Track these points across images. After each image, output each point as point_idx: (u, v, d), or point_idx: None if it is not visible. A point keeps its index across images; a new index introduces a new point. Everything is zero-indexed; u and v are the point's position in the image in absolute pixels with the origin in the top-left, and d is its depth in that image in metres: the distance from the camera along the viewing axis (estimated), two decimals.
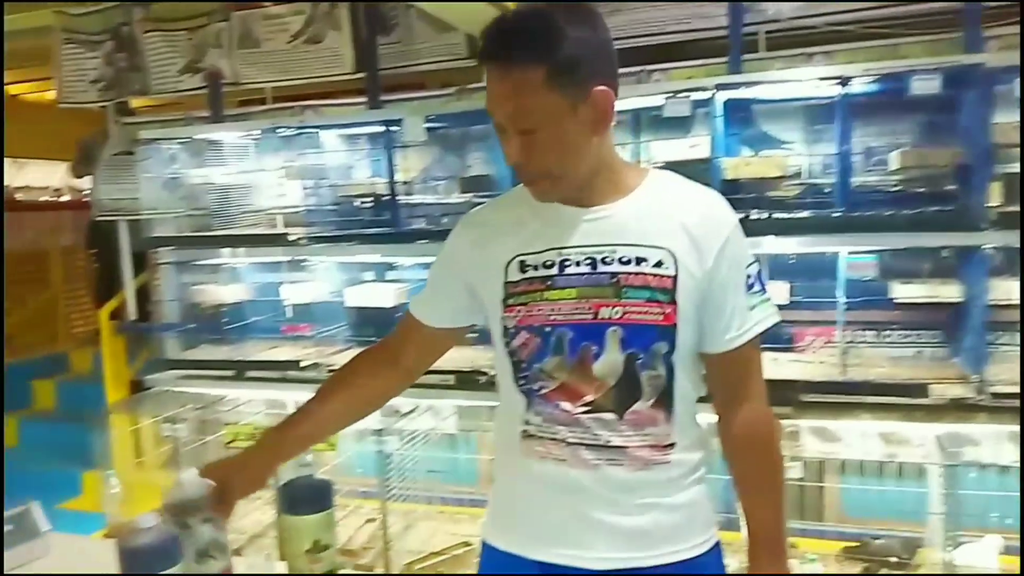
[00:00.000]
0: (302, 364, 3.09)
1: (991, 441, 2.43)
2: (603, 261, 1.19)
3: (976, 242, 2.40)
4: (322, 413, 1.36)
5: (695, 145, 2.79)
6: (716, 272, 1.19)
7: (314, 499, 1.28)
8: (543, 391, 1.21)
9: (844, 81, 2.52)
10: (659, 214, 1.20)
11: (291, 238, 3.09)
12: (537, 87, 1.10)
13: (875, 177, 2.74)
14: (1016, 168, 2.60)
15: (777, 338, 2.84)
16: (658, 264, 1.17)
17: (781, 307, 2.59)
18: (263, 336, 3.47)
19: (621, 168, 1.25)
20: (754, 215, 2.61)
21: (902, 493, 2.73)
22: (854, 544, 2.76)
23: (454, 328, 1.38)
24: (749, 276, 1.23)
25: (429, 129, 3.02)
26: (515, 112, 1.12)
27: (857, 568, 2.70)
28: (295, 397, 3.21)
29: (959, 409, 2.41)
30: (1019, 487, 2.32)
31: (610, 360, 1.17)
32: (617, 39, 2.94)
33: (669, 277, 1.17)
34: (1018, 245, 2.51)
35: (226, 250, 3.38)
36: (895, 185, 2.71)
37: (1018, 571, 2.42)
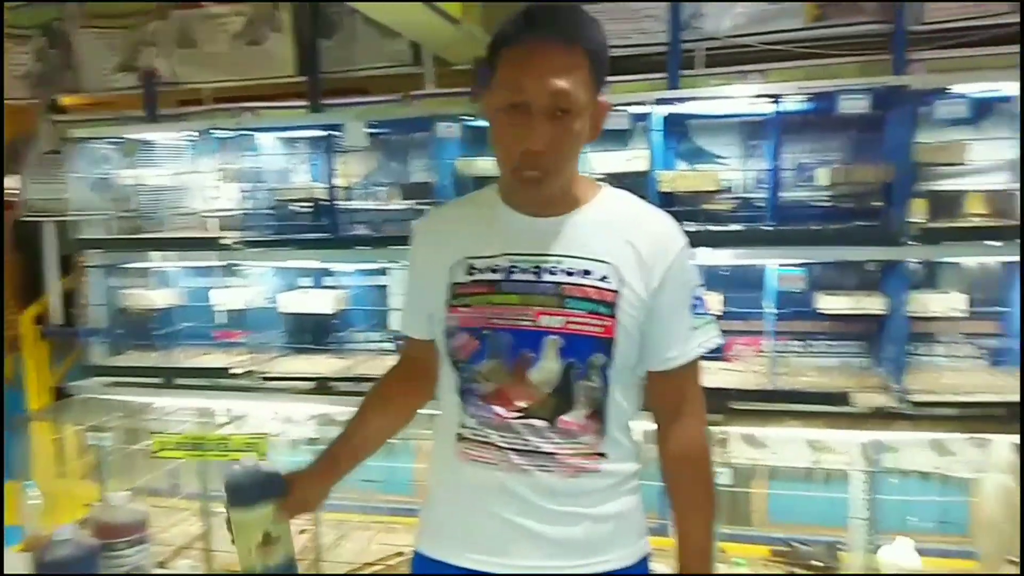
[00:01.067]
0: (233, 371, 3.02)
1: (911, 448, 2.52)
2: (548, 270, 1.21)
3: (898, 256, 2.49)
4: (364, 433, 1.43)
5: (633, 158, 2.83)
6: (661, 292, 1.21)
7: (261, 490, 1.22)
8: (479, 393, 1.22)
9: (777, 99, 2.59)
10: (609, 230, 1.22)
11: (225, 242, 3.03)
12: (581, 72, 1.12)
13: (805, 192, 2.83)
14: (937, 186, 2.74)
15: None
16: (602, 278, 1.19)
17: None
18: (194, 343, 3.38)
19: (580, 181, 1.27)
20: (689, 228, 2.65)
21: (828, 499, 2.80)
22: (781, 549, 2.82)
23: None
24: (695, 298, 1.26)
25: (371, 135, 3.00)
26: (557, 90, 1.11)
27: (782, 572, 2.76)
28: (226, 405, 3.15)
29: (881, 417, 2.49)
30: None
31: (547, 368, 1.19)
32: None
33: (611, 291, 1.19)
34: (937, 260, 2.64)
35: (157, 254, 3.29)
36: (824, 200, 2.80)
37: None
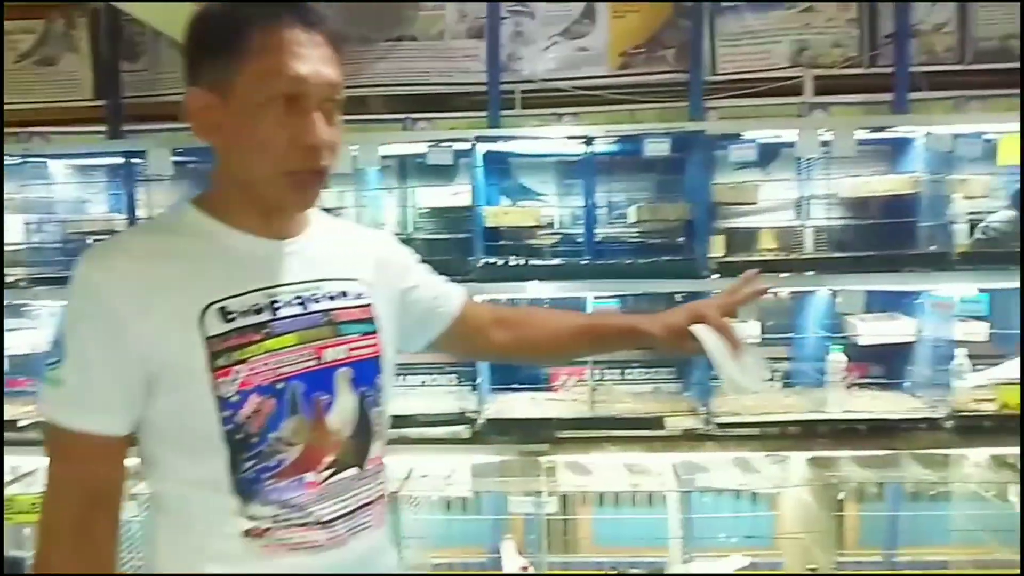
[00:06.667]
0: (20, 424, 2.71)
1: (719, 468, 2.69)
2: (313, 299, 1.08)
3: (701, 288, 2.67)
4: None
5: (457, 193, 2.87)
6: (407, 278, 1.27)
7: None
8: (277, 469, 1.02)
9: (589, 140, 2.73)
10: (344, 246, 1.18)
11: (10, 279, 2.73)
12: (338, 64, 1.06)
13: (617, 229, 3.00)
14: (733, 223, 2.99)
15: (535, 378, 2.99)
16: (358, 296, 1.13)
17: None
18: None
19: None
20: (512, 261, 2.73)
21: (648, 520, 2.92)
22: (608, 572, 2.91)
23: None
24: (428, 267, 1.35)
25: (177, 163, 2.83)
26: (332, 80, 1.02)
27: None
28: (13, 463, 2.81)
29: (691, 439, 2.65)
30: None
31: (343, 406, 1.08)
32: (383, 85, 3.05)
33: (367, 307, 1.14)
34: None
35: None
36: (634, 236, 2.98)
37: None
